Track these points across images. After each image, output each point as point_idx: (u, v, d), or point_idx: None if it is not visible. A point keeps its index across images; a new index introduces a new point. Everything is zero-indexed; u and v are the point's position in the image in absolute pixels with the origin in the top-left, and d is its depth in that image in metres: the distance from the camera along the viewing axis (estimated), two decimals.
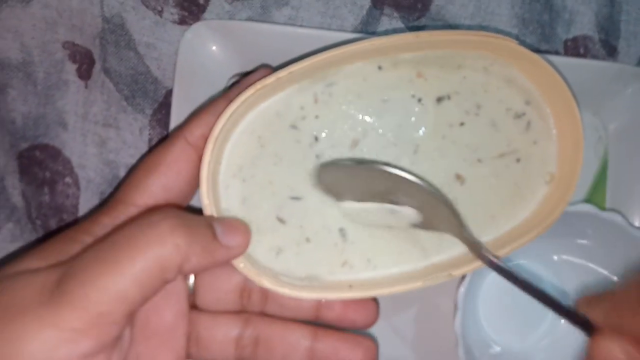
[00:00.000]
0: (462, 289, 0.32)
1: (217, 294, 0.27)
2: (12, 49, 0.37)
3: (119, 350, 0.23)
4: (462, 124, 0.30)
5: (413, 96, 0.30)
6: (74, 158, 0.37)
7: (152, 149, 0.37)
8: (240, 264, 0.27)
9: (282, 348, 0.27)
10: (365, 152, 0.29)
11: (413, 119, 0.30)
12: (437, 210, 0.28)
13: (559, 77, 0.29)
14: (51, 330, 0.20)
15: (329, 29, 0.37)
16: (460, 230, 0.29)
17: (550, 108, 0.31)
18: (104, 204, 0.26)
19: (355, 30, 0.37)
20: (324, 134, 0.29)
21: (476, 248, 0.28)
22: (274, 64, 0.34)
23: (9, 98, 0.37)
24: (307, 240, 0.29)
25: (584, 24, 0.39)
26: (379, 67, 0.29)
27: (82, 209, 0.37)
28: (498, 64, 0.30)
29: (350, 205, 0.29)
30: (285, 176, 0.29)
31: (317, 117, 0.29)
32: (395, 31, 0.38)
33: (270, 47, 0.34)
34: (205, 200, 0.26)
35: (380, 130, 0.29)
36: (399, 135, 0.30)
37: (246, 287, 0.28)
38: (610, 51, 0.39)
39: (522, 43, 0.38)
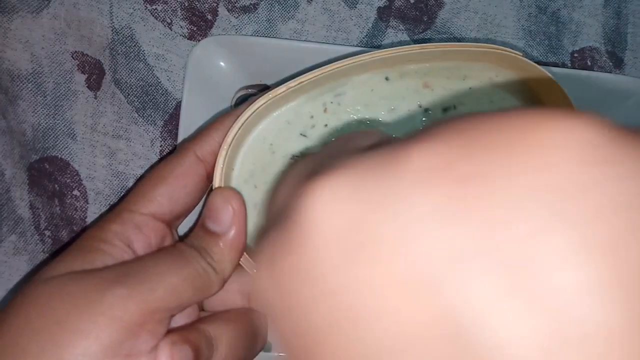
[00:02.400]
0: None
1: (224, 294, 0.27)
2: (22, 59, 0.37)
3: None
4: None
5: (420, 106, 0.30)
6: (82, 170, 0.37)
7: (160, 160, 0.38)
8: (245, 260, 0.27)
9: None
10: None
11: (420, 128, 0.30)
12: None
13: (562, 89, 0.29)
14: (116, 323, 0.21)
15: (335, 42, 0.37)
16: None
17: None
18: (111, 210, 0.27)
19: (360, 44, 0.37)
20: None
21: None
22: (281, 76, 0.35)
23: (19, 109, 0.37)
24: None
25: (591, 36, 0.39)
26: (386, 78, 0.30)
27: (91, 222, 0.37)
28: (503, 76, 0.31)
29: None
30: None
31: (326, 125, 0.30)
32: (401, 44, 0.38)
33: (276, 61, 0.34)
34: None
35: None
36: None
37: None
38: (617, 63, 0.40)
39: (529, 55, 0.39)
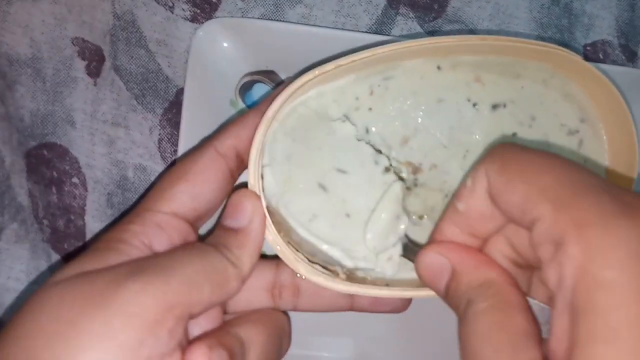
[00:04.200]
0: None
1: (247, 293, 0.26)
2: (21, 44, 0.37)
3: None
4: (514, 134, 0.30)
5: (469, 100, 0.29)
6: (82, 157, 0.37)
7: (175, 160, 0.37)
8: (277, 246, 0.26)
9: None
10: (415, 149, 0.29)
11: (466, 123, 0.29)
12: None
13: (620, 98, 0.28)
14: (132, 321, 0.20)
15: (343, 28, 0.36)
16: None
17: (606, 129, 0.30)
18: (131, 210, 0.26)
19: (370, 30, 0.37)
20: (374, 128, 0.29)
21: None
22: (287, 62, 0.34)
23: (17, 95, 0.37)
24: (347, 215, 0.28)
25: (604, 29, 0.39)
26: (438, 67, 0.29)
27: (90, 210, 0.37)
28: (558, 78, 0.30)
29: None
30: (334, 147, 0.28)
31: (370, 109, 0.28)
32: (410, 32, 0.37)
33: (283, 45, 0.33)
34: (253, 152, 0.26)
35: (432, 131, 0.29)
36: (450, 137, 0.29)
37: (277, 284, 0.28)
38: (630, 56, 0.39)
39: None
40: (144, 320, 0.20)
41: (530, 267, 0.22)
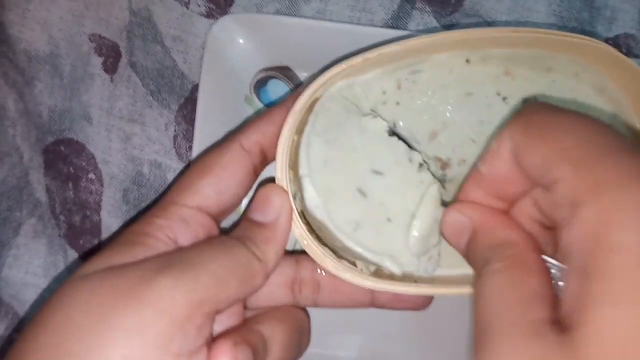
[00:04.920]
0: None
1: (267, 288, 0.26)
2: (40, 40, 0.37)
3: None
4: None
5: (498, 94, 0.28)
6: (98, 153, 0.37)
7: (189, 161, 0.37)
8: (304, 241, 0.26)
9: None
10: (444, 144, 0.28)
11: (496, 117, 0.28)
12: None
13: None
14: (164, 317, 0.20)
15: (359, 23, 0.36)
16: None
17: None
18: (155, 203, 0.26)
19: (385, 25, 0.36)
20: (402, 123, 0.28)
21: None
22: (302, 58, 0.34)
23: (36, 90, 0.37)
24: (388, 220, 0.27)
25: (627, 22, 0.38)
26: (467, 60, 0.28)
27: (105, 206, 0.37)
28: (590, 72, 0.29)
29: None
30: (368, 146, 0.27)
31: (398, 103, 0.28)
32: (427, 27, 0.37)
33: (298, 41, 0.33)
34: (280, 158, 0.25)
35: (461, 125, 0.28)
36: (480, 132, 0.28)
37: (297, 279, 0.28)
38: None
39: None
40: (174, 317, 0.20)
41: (556, 229, 0.22)
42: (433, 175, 0.28)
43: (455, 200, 0.25)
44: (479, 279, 0.20)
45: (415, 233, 0.27)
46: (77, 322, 0.20)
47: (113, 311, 0.20)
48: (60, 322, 0.20)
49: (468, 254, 0.23)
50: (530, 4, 0.37)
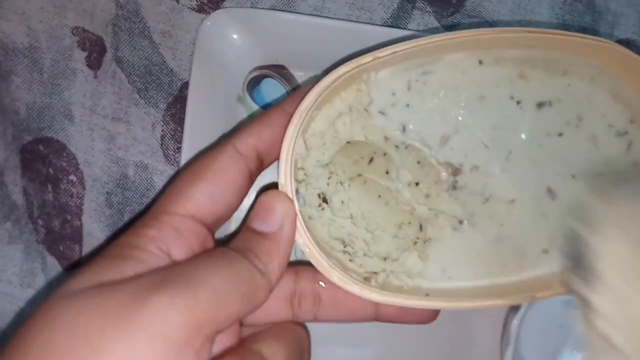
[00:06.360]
0: (515, 322, 0.31)
1: (265, 302, 0.24)
2: (18, 32, 0.35)
3: None
4: (560, 134, 0.28)
5: (512, 97, 0.27)
6: (80, 154, 0.35)
7: (179, 162, 0.35)
8: (306, 249, 0.24)
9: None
10: (455, 150, 0.28)
11: (509, 121, 0.28)
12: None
13: None
14: (159, 341, 0.18)
15: (357, 21, 0.35)
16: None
17: None
18: (140, 207, 0.24)
19: (385, 24, 0.35)
20: (411, 126, 0.27)
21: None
22: (298, 56, 0.33)
23: (12, 86, 0.35)
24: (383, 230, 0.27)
25: (629, 27, 0.37)
26: (480, 62, 0.27)
27: (87, 210, 0.35)
28: (606, 75, 0.28)
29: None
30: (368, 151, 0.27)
31: (408, 105, 0.27)
32: (427, 27, 0.35)
33: (294, 38, 0.32)
34: (284, 154, 0.24)
35: (473, 129, 0.28)
36: (493, 137, 0.28)
37: (296, 292, 0.26)
38: None
39: None
40: (171, 341, 0.18)
41: None
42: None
43: None
44: None
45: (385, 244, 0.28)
46: (60, 346, 0.18)
47: (101, 335, 0.18)
48: (41, 347, 0.18)
49: None
50: (533, 6, 0.36)
